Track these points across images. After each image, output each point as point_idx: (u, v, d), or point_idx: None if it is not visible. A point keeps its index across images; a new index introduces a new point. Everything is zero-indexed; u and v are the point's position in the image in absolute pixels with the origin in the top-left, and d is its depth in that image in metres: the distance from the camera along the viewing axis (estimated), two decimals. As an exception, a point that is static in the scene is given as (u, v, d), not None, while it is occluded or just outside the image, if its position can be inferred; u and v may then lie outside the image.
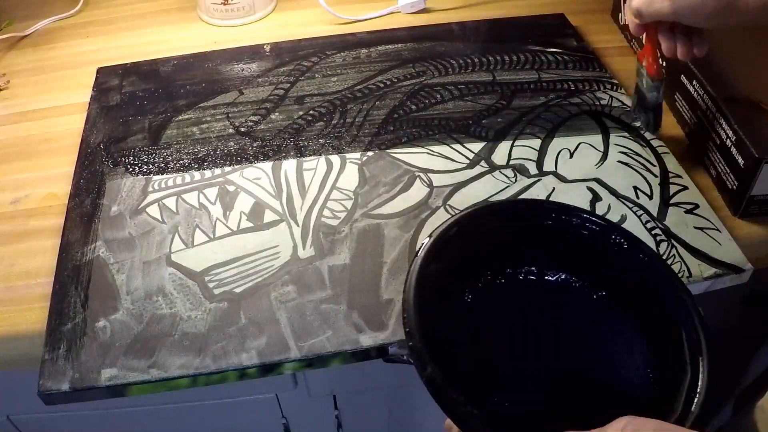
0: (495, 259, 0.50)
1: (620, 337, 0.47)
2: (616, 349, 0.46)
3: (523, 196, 0.61)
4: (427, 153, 0.66)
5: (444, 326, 0.45)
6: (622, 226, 0.51)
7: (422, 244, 0.47)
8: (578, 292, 0.49)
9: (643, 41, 0.62)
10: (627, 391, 0.44)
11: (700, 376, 0.41)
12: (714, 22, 0.53)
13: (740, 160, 0.58)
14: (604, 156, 0.65)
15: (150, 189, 0.63)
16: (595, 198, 0.61)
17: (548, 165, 0.64)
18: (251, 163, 0.66)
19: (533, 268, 0.50)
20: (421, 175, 0.64)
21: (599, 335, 0.47)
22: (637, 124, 0.68)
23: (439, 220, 0.59)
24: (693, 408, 0.39)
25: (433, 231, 0.47)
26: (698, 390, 0.40)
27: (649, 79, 0.63)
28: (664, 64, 0.63)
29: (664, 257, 0.56)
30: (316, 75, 0.76)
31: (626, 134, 0.67)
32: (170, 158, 0.66)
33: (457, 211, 0.60)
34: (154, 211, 0.61)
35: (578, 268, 0.50)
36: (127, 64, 0.79)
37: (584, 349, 0.46)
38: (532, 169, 0.64)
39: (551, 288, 0.49)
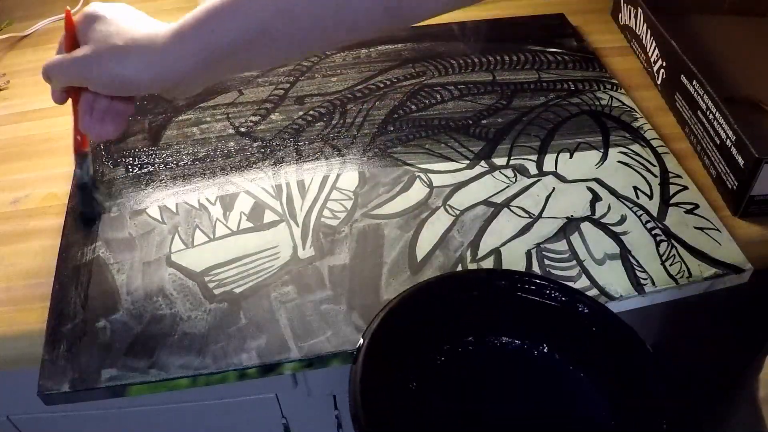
0: (433, 340, 0.49)
1: (576, 390, 0.46)
2: (574, 403, 0.46)
3: (523, 196, 0.61)
4: (427, 153, 0.66)
5: (403, 404, 0.45)
6: (557, 281, 0.49)
7: (357, 348, 0.46)
8: (524, 353, 0.48)
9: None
10: None
11: (667, 419, 0.40)
12: (117, 82, 0.46)
13: (740, 160, 0.58)
14: (604, 156, 0.65)
15: (150, 189, 0.63)
16: (595, 198, 0.61)
17: (548, 165, 0.64)
18: (251, 163, 0.66)
19: (471, 338, 0.49)
20: (421, 175, 0.64)
21: (554, 393, 0.47)
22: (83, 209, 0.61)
23: (439, 220, 0.59)
24: None
25: (364, 332, 0.47)
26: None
27: (76, 154, 0.58)
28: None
29: (664, 257, 0.56)
30: (316, 75, 0.76)
31: (626, 134, 0.67)
32: (170, 158, 0.66)
33: (457, 211, 0.60)
34: (154, 211, 0.61)
35: (520, 330, 0.49)
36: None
37: (542, 407, 0.46)
38: (532, 169, 0.64)
39: (498, 354, 0.49)
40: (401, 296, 0.49)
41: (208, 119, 0.71)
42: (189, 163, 0.66)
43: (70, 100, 0.52)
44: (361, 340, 0.46)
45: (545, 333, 0.48)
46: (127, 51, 0.46)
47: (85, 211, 0.61)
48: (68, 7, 0.51)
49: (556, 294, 0.48)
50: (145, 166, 0.66)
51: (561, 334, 0.48)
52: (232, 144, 0.68)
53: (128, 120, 0.53)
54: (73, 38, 0.49)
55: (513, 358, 0.48)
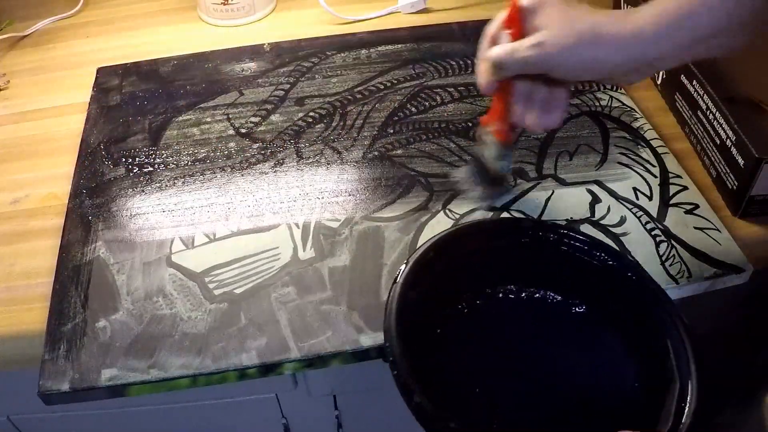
0: (475, 281, 0.49)
1: (605, 350, 0.47)
2: (602, 362, 0.46)
3: (522, 200, 0.61)
4: (427, 157, 0.66)
5: (429, 351, 0.45)
6: (600, 240, 0.50)
7: (399, 270, 0.47)
8: (560, 308, 0.49)
9: (491, 102, 0.53)
10: (616, 403, 0.44)
11: (689, 385, 0.41)
12: (586, 68, 0.46)
13: (740, 160, 0.58)
14: (604, 157, 0.65)
15: (150, 189, 0.63)
16: (595, 200, 0.61)
17: (548, 167, 0.64)
18: (251, 164, 0.66)
19: (513, 287, 0.50)
20: (421, 179, 0.64)
21: (584, 351, 0.47)
22: (475, 202, 0.60)
23: (439, 223, 0.59)
24: (684, 419, 0.39)
25: (409, 257, 0.47)
26: (688, 400, 0.40)
27: (497, 148, 0.55)
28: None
29: (664, 258, 0.56)
30: (317, 76, 0.76)
31: (626, 135, 0.67)
32: (170, 159, 0.66)
33: (457, 215, 0.60)
34: (154, 211, 0.61)
35: (559, 284, 0.49)
36: (127, 64, 0.79)
37: (571, 365, 0.46)
38: (532, 172, 0.64)
39: (533, 306, 0.49)
40: (450, 230, 0.49)
41: (209, 120, 0.71)
42: (189, 163, 0.66)
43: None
44: (404, 265, 0.47)
45: (584, 291, 0.49)
46: (598, 34, 0.44)
47: (494, 203, 0.59)
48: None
49: (603, 255, 0.48)
50: (145, 166, 0.66)
51: (600, 294, 0.48)
52: (232, 145, 0.68)
53: (567, 109, 0.51)
54: (519, 25, 0.47)
55: (549, 311, 0.49)
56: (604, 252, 0.49)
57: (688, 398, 0.40)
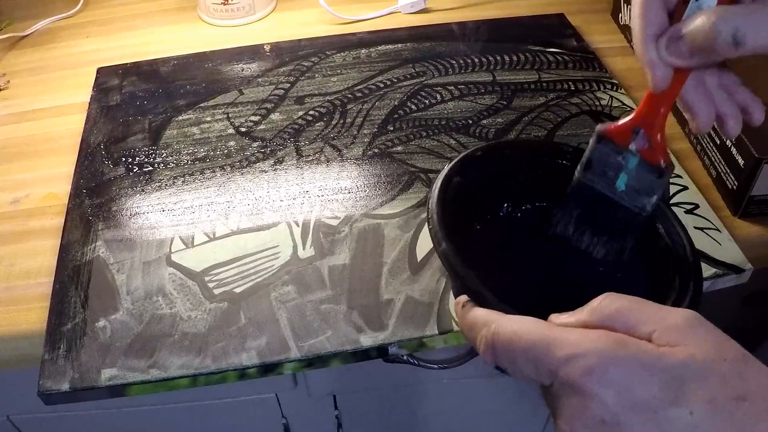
0: (512, 192, 0.52)
1: (621, 263, 0.48)
2: (615, 265, 0.47)
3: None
4: (427, 153, 0.66)
5: (462, 236, 0.47)
6: None
7: (448, 162, 0.49)
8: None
9: (644, 100, 0.40)
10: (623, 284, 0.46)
11: (689, 289, 0.42)
12: None
13: (740, 160, 0.58)
14: (604, 156, 0.65)
15: (150, 189, 0.63)
16: (595, 198, 0.61)
17: (548, 165, 0.64)
18: (251, 163, 0.66)
19: (545, 203, 0.52)
20: (421, 175, 0.64)
21: (601, 262, 0.49)
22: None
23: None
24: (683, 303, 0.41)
25: (462, 153, 0.50)
26: (689, 290, 0.41)
27: (647, 167, 0.40)
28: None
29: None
30: (316, 75, 0.76)
31: (626, 134, 0.67)
32: (170, 158, 0.66)
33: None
34: (154, 210, 0.61)
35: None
36: (127, 64, 0.79)
37: (587, 267, 0.48)
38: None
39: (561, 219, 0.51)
40: (500, 141, 0.54)
41: (208, 119, 0.71)
42: (189, 162, 0.66)
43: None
44: (456, 156, 0.48)
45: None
46: None
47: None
48: None
49: None
50: (145, 165, 0.66)
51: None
52: (232, 143, 0.68)
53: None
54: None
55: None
56: None
57: (688, 297, 0.41)
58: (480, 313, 0.38)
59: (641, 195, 0.41)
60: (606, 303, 0.35)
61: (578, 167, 0.44)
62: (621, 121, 0.41)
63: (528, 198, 0.52)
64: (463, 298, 0.41)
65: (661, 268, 0.46)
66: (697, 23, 0.35)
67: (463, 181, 0.48)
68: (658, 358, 0.32)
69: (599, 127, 0.42)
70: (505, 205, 0.52)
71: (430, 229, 0.43)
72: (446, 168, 0.48)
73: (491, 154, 0.51)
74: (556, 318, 0.37)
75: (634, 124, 0.41)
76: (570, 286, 0.47)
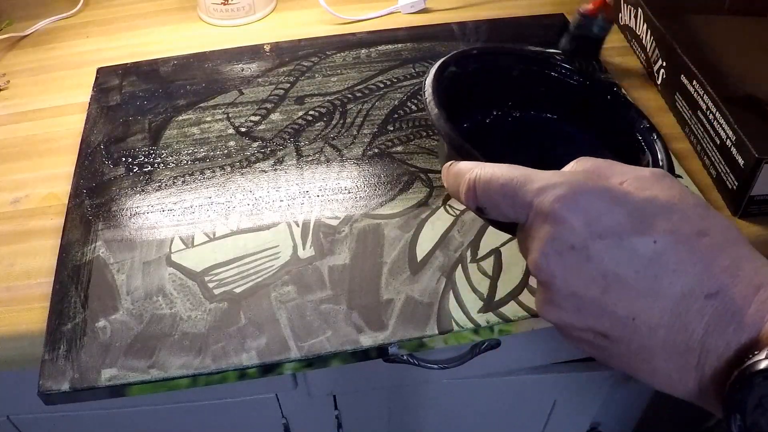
0: (501, 98, 0.56)
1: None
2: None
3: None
4: (427, 153, 0.66)
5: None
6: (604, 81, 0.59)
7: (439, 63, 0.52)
8: (556, 127, 0.57)
9: None
10: None
11: (658, 151, 0.49)
12: None
13: (740, 160, 0.58)
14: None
15: (150, 189, 0.63)
16: (595, 198, 0.61)
17: (548, 165, 0.64)
18: (251, 162, 0.66)
19: (529, 111, 0.57)
20: (421, 175, 0.64)
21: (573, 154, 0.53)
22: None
23: (439, 220, 0.59)
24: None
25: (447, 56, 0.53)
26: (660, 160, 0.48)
27: (605, 21, 0.69)
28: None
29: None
30: (316, 75, 0.76)
31: (626, 134, 0.67)
32: (170, 158, 0.66)
33: (457, 211, 0.60)
34: (153, 211, 0.61)
35: (565, 110, 0.57)
36: (127, 64, 0.79)
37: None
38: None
39: (538, 125, 0.57)
40: (496, 44, 0.60)
41: (208, 119, 0.71)
42: (189, 162, 0.66)
43: None
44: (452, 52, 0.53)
45: (571, 109, 0.56)
46: None
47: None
48: None
49: (578, 77, 0.56)
50: (144, 165, 0.66)
51: (581, 109, 0.56)
52: (232, 143, 0.68)
53: None
54: None
55: (549, 130, 0.57)
56: (582, 77, 0.56)
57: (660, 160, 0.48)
58: (463, 164, 0.41)
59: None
60: (581, 162, 0.38)
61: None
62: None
63: (517, 106, 0.56)
64: (449, 162, 0.43)
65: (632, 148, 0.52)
66: None
67: (458, 72, 0.51)
68: (625, 193, 0.34)
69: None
70: (495, 111, 0.56)
71: (424, 99, 0.47)
72: (443, 58, 0.52)
73: (486, 54, 0.55)
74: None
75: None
76: None
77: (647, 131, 0.51)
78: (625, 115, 0.54)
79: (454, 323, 0.52)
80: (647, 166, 0.49)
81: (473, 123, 0.55)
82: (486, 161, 0.41)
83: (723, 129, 0.60)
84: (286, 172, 0.65)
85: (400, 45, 0.80)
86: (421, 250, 0.57)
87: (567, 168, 0.39)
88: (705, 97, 0.63)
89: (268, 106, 0.72)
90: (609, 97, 0.55)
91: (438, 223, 0.59)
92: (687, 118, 0.68)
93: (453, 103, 0.50)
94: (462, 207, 0.60)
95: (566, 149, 0.54)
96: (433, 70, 0.50)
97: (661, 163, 0.48)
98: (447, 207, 0.61)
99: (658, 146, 0.49)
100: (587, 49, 0.74)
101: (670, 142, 0.67)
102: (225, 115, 0.71)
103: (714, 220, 0.35)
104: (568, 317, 0.36)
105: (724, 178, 0.61)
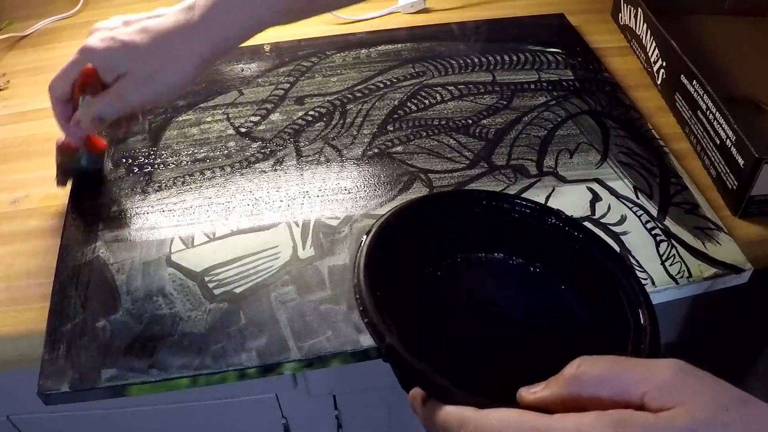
0: (437, 248, 0.50)
1: (562, 302, 0.48)
2: (563, 316, 0.48)
3: (523, 196, 0.61)
4: (427, 153, 0.66)
5: (395, 310, 0.45)
6: (549, 206, 0.52)
7: (363, 239, 0.47)
8: (519, 269, 0.50)
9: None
10: (574, 343, 0.46)
11: (642, 320, 0.42)
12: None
13: (740, 160, 0.58)
14: (604, 156, 0.65)
15: (150, 189, 0.63)
16: (595, 198, 0.61)
17: (548, 165, 0.64)
18: (251, 163, 0.66)
19: (476, 254, 0.51)
20: (421, 175, 0.64)
21: (545, 305, 0.49)
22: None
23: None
24: (642, 345, 0.40)
25: (372, 225, 0.48)
26: (643, 331, 0.41)
27: (92, 155, 0.63)
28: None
29: (664, 257, 0.56)
30: (316, 75, 0.76)
31: (626, 134, 0.67)
32: (170, 159, 0.66)
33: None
34: (154, 211, 0.61)
35: (517, 248, 0.51)
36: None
37: (530, 315, 0.48)
38: (532, 169, 0.64)
39: (495, 268, 0.51)
40: (410, 201, 0.50)
41: (208, 119, 0.71)
42: (189, 163, 0.66)
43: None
44: (365, 236, 0.47)
45: (540, 253, 0.50)
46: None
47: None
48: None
49: (552, 218, 0.50)
50: (145, 166, 0.66)
51: (555, 254, 0.50)
52: (232, 144, 0.68)
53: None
54: (98, 80, 0.55)
55: (509, 272, 0.50)
56: (554, 217, 0.50)
57: (644, 331, 0.41)
58: (451, 412, 0.35)
59: None
60: (583, 370, 0.33)
61: None
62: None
63: (452, 251, 0.50)
64: (418, 392, 0.37)
65: (607, 308, 0.46)
66: (76, 115, 0.58)
67: (382, 257, 0.45)
68: (663, 429, 0.30)
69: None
70: (429, 263, 0.49)
71: (366, 323, 0.40)
72: (365, 246, 0.45)
73: (403, 219, 0.49)
74: (527, 393, 0.34)
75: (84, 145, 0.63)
76: (524, 342, 0.46)
77: (621, 274, 0.46)
78: (593, 253, 0.48)
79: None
80: (630, 328, 0.43)
81: (423, 274, 0.49)
82: (473, 399, 0.35)
83: (723, 129, 0.60)
84: (285, 173, 0.65)
85: (400, 45, 0.80)
86: (421, 251, 0.57)
87: (568, 374, 0.33)
88: (705, 97, 0.63)
89: (268, 106, 0.72)
90: (574, 232, 0.49)
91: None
92: (687, 118, 0.68)
93: (399, 259, 0.46)
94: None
95: (529, 293, 0.49)
96: (360, 271, 0.43)
97: (643, 334, 0.42)
98: (447, 207, 0.60)
99: (643, 312, 0.43)
100: (92, 180, 0.65)
101: (670, 142, 0.67)
102: (225, 116, 0.71)
103: (757, 420, 0.31)
104: None
105: (724, 178, 0.61)
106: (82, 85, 0.55)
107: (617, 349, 0.42)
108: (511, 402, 0.35)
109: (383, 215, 0.48)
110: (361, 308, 0.41)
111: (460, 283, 0.50)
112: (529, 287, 0.49)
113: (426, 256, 0.50)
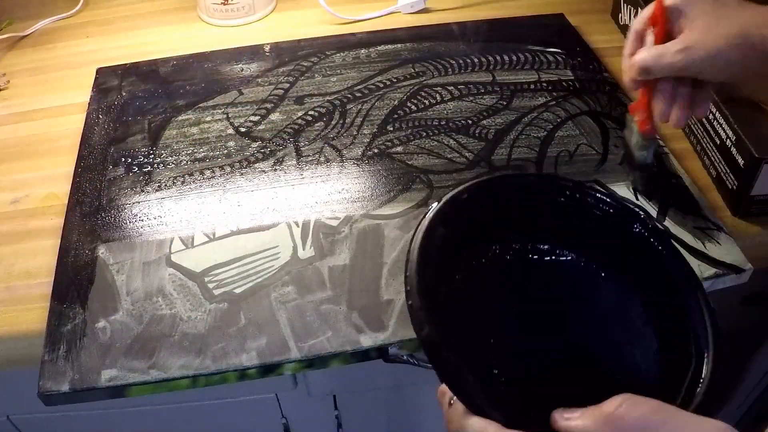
0: (506, 232, 0.48)
1: (628, 320, 0.46)
2: (623, 332, 0.45)
3: (611, 192, 0.61)
4: (427, 153, 0.66)
5: (447, 291, 0.44)
6: (635, 209, 0.49)
7: (431, 206, 0.45)
8: (587, 272, 0.48)
9: (638, 94, 0.54)
10: (631, 373, 0.43)
11: (705, 366, 0.40)
12: (734, 71, 0.46)
13: (740, 160, 0.58)
14: (604, 157, 0.65)
15: (149, 189, 0.63)
16: (595, 198, 0.61)
17: (548, 166, 0.64)
18: (251, 163, 0.66)
19: (545, 246, 0.49)
20: (421, 175, 0.64)
21: (606, 316, 0.46)
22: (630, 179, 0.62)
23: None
24: (696, 396, 0.38)
25: (444, 195, 0.46)
26: (702, 379, 0.39)
27: (640, 137, 0.57)
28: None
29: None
30: (316, 75, 0.76)
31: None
32: (170, 158, 0.66)
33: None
34: (154, 211, 0.61)
35: (589, 248, 0.49)
36: (126, 64, 0.79)
37: (590, 328, 0.46)
38: (532, 169, 0.64)
39: (560, 266, 0.48)
40: (488, 177, 0.49)
41: (208, 119, 0.71)
42: (189, 162, 0.66)
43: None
44: (437, 202, 0.45)
45: (613, 258, 0.48)
46: (747, 38, 0.43)
47: (644, 189, 0.61)
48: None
49: (639, 227, 0.48)
50: (144, 165, 0.66)
51: (633, 264, 0.47)
52: (231, 144, 0.68)
53: (711, 101, 0.52)
54: (665, 24, 0.48)
55: (574, 274, 0.48)
56: (640, 224, 0.47)
57: (702, 378, 0.39)
58: (475, 425, 0.35)
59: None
60: (625, 411, 0.31)
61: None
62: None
63: (519, 237, 0.48)
64: (447, 390, 0.37)
65: (673, 334, 0.43)
66: (633, 57, 0.49)
67: (447, 231, 0.44)
68: None
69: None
70: (494, 246, 0.48)
71: (409, 306, 0.39)
72: (428, 219, 0.43)
73: (480, 193, 0.47)
74: (561, 417, 0.33)
75: (635, 108, 0.55)
76: (572, 353, 0.44)
77: (696, 305, 0.43)
78: (673, 274, 0.45)
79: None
80: (691, 343, 0.42)
81: (468, 270, 0.47)
82: (499, 417, 0.34)
83: (723, 129, 0.60)
84: (285, 172, 0.65)
85: (399, 45, 0.80)
86: (421, 251, 0.57)
87: (608, 411, 0.32)
88: (705, 97, 0.63)
89: (268, 106, 0.72)
90: (658, 246, 0.46)
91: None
92: (687, 118, 0.67)
93: (444, 260, 0.44)
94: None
95: (591, 300, 0.47)
96: (415, 252, 0.41)
97: (700, 383, 0.40)
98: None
99: (709, 334, 0.41)
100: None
101: (670, 142, 0.67)
102: (225, 115, 0.71)
103: None
104: None
105: (724, 178, 0.61)
106: (652, 18, 0.49)
107: (668, 386, 0.40)
108: (543, 419, 0.34)
109: (456, 187, 0.46)
110: (407, 288, 0.40)
111: (521, 275, 0.48)
112: (593, 294, 0.47)
113: (493, 237, 0.48)
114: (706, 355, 0.41)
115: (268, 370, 0.50)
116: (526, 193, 0.49)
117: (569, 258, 0.48)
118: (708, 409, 0.38)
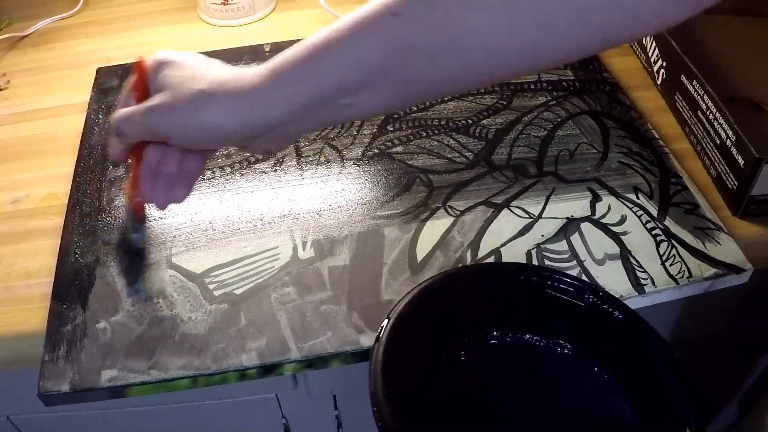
0: (459, 328, 0.48)
1: (596, 389, 0.46)
2: (594, 399, 0.46)
3: (523, 196, 0.61)
4: (427, 153, 0.66)
5: (418, 406, 0.44)
6: (588, 282, 0.49)
7: (382, 327, 0.44)
8: (547, 351, 0.48)
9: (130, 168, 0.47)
10: None
11: (688, 422, 0.40)
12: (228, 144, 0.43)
13: (740, 160, 0.58)
14: (604, 156, 0.65)
15: (150, 189, 0.63)
16: (595, 198, 0.61)
17: (548, 165, 0.64)
18: (251, 163, 0.66)
19: (497, 332, 0.48)
20: (421, 175, 0.64)
21: (574, 391, 0.46)
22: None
23: (439, 220, 0.59)
24: None
25: (390, 312, 0.45)
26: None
27: (132, 218, 0.51)
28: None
29: (664, 257, 0.56)
30: (316, 75, 0.76)
31: (626, 134, 0.67)
32: (170, 158, 0.66)
33: (457, 212, 0.60)
34: (153, 212, 0.61)
35: (544, 327, 0.48)
36: (126, 64, 0.79)
37: (562, 404, 0.46)
38: (532, 169, 0.64)
39: (520, 350, 0.48)
40: (431, 280, 0.48)
41: (208, 119, 0.71)
42: (189, 163, 0.66)
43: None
44: (386, 320, 0.44)
45: (571, 333, 0.48)
46: (211, 95, 0.39)
47: (130, 276, 0.55)
48: (141, 55, 0.45)
49: (588, 296, 0.47)
50: (145, 166, 0.66)
51: (587, 335, 0.47)
52: (232, 144, 0.68)
53: (196, 182, 0.46)
54: (145, 87, 0.44)
55: (536, 357, 0.48)
56: (592, 294, 0.47)
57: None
58: None
59: None
60: None
61: None
62: None
63: (474, 330, 0.48)
64: None
65: (648, 399, 0.43)
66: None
67: (401, 350, 0.43)
68: None
69: None
70: (451, 344, 0.47)
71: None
72: (382, 342, 0.43)
73: (424, 301, 0.46)
74: None
75: (127, 188, 0.50)
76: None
77: (668, 368, 0.43)
78: (634, 338, 0.45)
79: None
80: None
81: (445, 356, 0.47)
82: None
83: (723, 129, 0.60)
84: (285, 173, 0.65)
85: (400, 45, 0.80)
86: (422, 251, 0.57)
87: None
88: (705, 97, 0.63)
89: (268, 106, 0.72)
90: (624, 320, 0.46)
91: (438, 223, 0.59)
92: (687, 118, 0.67)
93: (421, 344, 0.44)
94: (461, 207, 0.60)
95: (573, 390, 0.46)
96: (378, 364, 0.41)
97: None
98: (447, 207, 0.60)
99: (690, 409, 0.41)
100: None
101: (670, 142, 0.67)
102: (225, 116, 0.71)
103: None
104: None
105: (724, 178, 0.61)
106: (134, 84, 0.45)
107: None
108: None
109: (402, 299, 0.45)
110: (379, 425, 0.40)
111: (485, 365, 0.47)
112: (557, 371, 0.47)
113: (448, 337, 0.47)
114: (689, 417, 0.40)
115: (268, 370, 0.51)
116: (472, 286, 0.49)
117: (526, 339, 0.48)
118: None
